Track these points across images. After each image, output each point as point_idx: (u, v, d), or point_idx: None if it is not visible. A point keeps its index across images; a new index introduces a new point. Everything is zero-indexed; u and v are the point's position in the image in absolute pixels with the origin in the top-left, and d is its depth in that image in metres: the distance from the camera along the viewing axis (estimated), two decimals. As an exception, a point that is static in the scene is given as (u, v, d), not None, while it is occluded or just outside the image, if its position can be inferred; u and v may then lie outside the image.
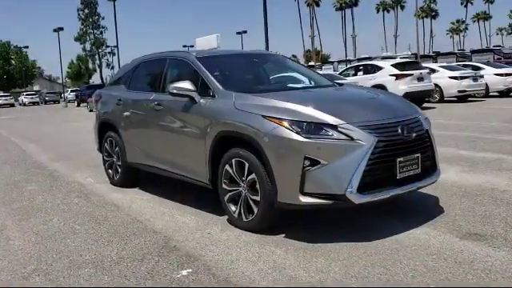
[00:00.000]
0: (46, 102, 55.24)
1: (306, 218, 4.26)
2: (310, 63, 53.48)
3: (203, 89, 4.61)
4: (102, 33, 74.39)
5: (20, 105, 54.00)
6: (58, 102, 54.06)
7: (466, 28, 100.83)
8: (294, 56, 71.09)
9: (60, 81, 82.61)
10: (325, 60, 66.75)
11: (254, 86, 5.07)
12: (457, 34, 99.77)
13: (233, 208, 4.21)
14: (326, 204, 3.63)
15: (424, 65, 18.06)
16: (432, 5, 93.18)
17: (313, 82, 5.36)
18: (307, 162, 3.57)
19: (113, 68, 79.56)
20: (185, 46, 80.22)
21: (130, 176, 6.10)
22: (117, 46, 43.80)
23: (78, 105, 42.14)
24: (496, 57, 30.67)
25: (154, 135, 5.30)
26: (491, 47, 44.65)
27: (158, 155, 5.27)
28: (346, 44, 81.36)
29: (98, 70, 76.39)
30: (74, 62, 79.45)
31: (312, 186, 3.60)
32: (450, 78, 16.79)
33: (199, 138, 4.49)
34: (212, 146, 4.33)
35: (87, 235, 4.27)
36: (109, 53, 75.53)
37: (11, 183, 6.90)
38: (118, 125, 5.99)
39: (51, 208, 5.31)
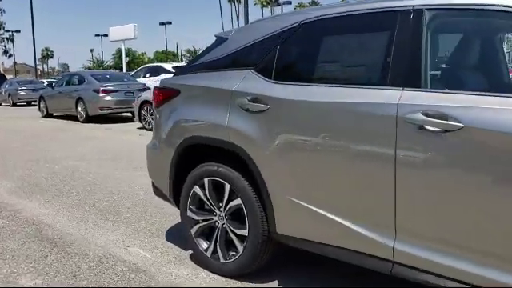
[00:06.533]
0: None
1: None
2: None
3: None
4: (-2, 15, 65.46)
5: None
6: None
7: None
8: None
9: None
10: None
11: None
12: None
13: None
14: None
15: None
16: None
17: None
18: None
19: (11, 56, 70.55)
20: (97, 36, 73.02)
21: (262, 259, 2.95)
22: (32, 30, 37.63)
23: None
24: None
25: (423, 192, 2.16)
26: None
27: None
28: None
29: (-7, 58, 67.15)
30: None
31: None
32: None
33: None
34: None
35: None
36: (7, 38, 66.80)
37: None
38: (250, 154, 2.77)
39: None
